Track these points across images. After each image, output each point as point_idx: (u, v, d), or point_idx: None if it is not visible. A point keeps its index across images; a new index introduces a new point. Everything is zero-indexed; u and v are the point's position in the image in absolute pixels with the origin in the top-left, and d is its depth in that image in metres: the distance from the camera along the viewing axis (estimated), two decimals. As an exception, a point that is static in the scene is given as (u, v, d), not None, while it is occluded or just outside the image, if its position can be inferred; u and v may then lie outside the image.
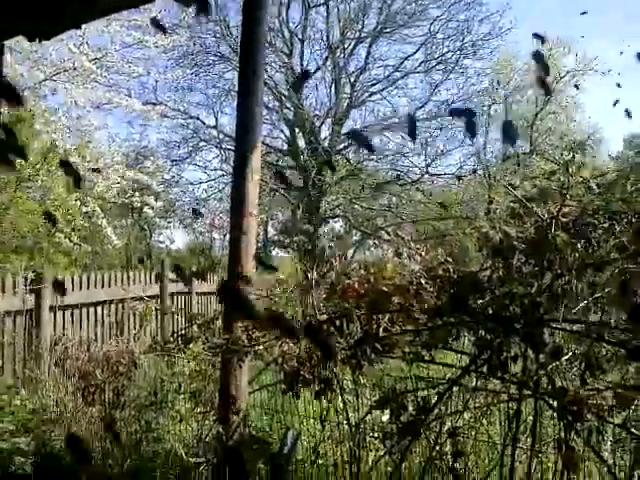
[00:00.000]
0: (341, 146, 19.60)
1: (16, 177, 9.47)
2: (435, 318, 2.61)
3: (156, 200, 12.17)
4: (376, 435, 2.75)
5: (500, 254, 2.60)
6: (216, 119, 19.38)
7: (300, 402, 3.38)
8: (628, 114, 2.67)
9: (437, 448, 2.52)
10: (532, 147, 20.00)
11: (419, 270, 2.78)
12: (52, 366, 4.11)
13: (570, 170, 2.71)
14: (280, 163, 19.49)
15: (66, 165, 1.11)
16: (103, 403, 3.54)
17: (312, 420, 3.25)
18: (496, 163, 20.54)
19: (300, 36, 19.10)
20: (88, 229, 10.63)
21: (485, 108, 20.09)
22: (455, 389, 2.59)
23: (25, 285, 5.87)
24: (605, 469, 2.37)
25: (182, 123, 18.89)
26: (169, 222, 19.81)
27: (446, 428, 2.52)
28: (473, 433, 2.67)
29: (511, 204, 2.87)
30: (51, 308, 6.14)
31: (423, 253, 2.91)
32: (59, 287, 2.45)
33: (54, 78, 10.16)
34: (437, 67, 19.15)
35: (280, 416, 3.45)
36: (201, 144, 19.46)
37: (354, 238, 20.73)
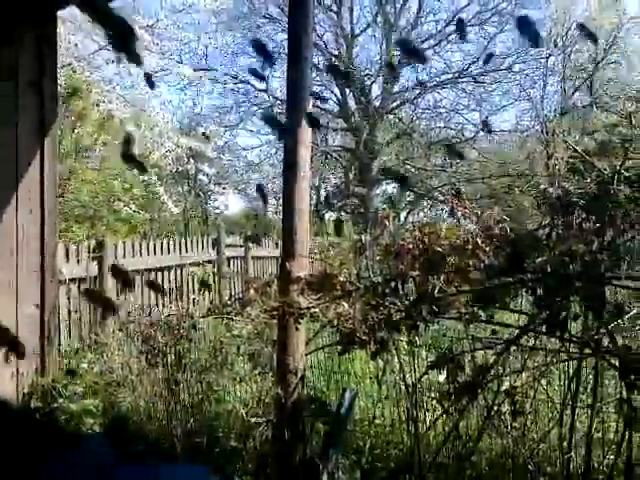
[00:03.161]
0: (393, 105, 19.29)
1: (75, 147, 9.71)
2: (492, 278, 2.58)
3: (210, 167, 12.33)
4: (433, 395, 2.75)
5: (559, 211, 2.53)
6: (266, 83, 19.32)
7: (357, 363, 3.42)
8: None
9: (495, 408, 2.51)
10: (592, 99, 19.19)
11: (475, 230, 2.74)
12: (116, 330, 4.25)
13: (633, 122, 2.60)
14: (330, 125, 19.33)
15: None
16: (166, 365, 3.65)
17: (369, 380, 3.28)
18: (554, 117, 19.82)
19: (349, -7, 18.74)
20: (146, 197, 10.86)
21: (542, 60, 19.31)
22: (513, 349, 2.56)
23: (88, 253, 6.07)
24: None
25: (233, 88, 18.96)
26: (223, 188, 20.03)
27: (504, 388, 2.51)
28: (532, 393, 2.64)
29: (570, 159, 2.78)
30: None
31: (479, 212, 2.85)
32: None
33: (107, 48, 10.31)
34: (492, 19, 18.50)
35: (337, 377, 3.49)
36: (252, 108, 19.50)
37: (408, 199, 20.52)
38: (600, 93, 19.39)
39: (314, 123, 2.58)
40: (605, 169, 2.57)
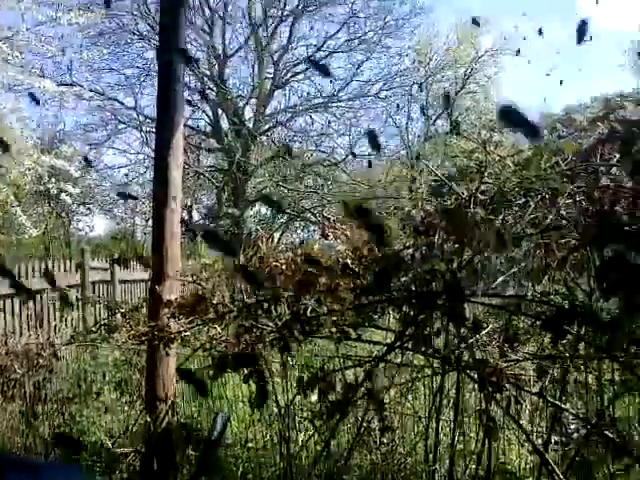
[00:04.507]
0: (266, 127, 19.45)
1: None
2: (361, 297, 2.64)
3: (74, 186, 11.77)
4: (305, 416, 2.77)
5: (421, 232, 2.65)
6: (135, 100, 18.80)
7: (229, 387, 3.37)
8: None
9: (365, 425, 2.56)
10: (452, 126, 20.42)
11: (345, 250, 2.80)
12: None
13: (488, 148, 2.78)
14: (203, 145, 19.17)
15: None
16: (24, 398, 3.41)
17: (241, 404, 3.25)
18: (418, 143, 20.89)
19: (221, 14, 18.75)
20: (1, 218, 10.16)
21: (407, 88, 20.30)
22: (381, 365, 2.63)
23: None
24: (524, 436, 2.47)
25: (100, 105, 18.23)
26: (88, 209, 19.20)
27: (372, 405, 2.57)
28: (399, 408, 2.73)
29: (432, 183, 2.92)
30: (-36, 301, 5.85)
31: (348, 233, 2.92)
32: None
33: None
34: (359, 47, 19.22)
35: (209, 402, 3.42)
36: (120, 126, 18.88)
37: (280, 220, 20.70)
38: (460, 121, 20.69)
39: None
40: (463, 192, 2.73)
